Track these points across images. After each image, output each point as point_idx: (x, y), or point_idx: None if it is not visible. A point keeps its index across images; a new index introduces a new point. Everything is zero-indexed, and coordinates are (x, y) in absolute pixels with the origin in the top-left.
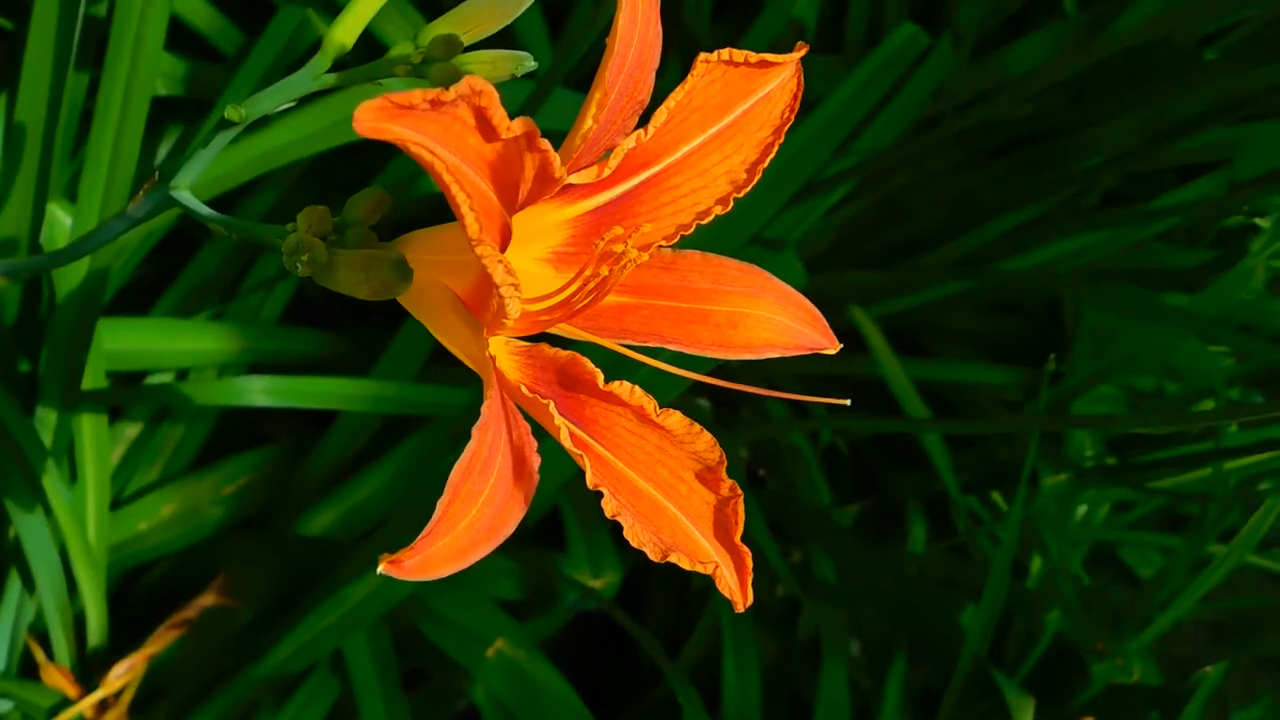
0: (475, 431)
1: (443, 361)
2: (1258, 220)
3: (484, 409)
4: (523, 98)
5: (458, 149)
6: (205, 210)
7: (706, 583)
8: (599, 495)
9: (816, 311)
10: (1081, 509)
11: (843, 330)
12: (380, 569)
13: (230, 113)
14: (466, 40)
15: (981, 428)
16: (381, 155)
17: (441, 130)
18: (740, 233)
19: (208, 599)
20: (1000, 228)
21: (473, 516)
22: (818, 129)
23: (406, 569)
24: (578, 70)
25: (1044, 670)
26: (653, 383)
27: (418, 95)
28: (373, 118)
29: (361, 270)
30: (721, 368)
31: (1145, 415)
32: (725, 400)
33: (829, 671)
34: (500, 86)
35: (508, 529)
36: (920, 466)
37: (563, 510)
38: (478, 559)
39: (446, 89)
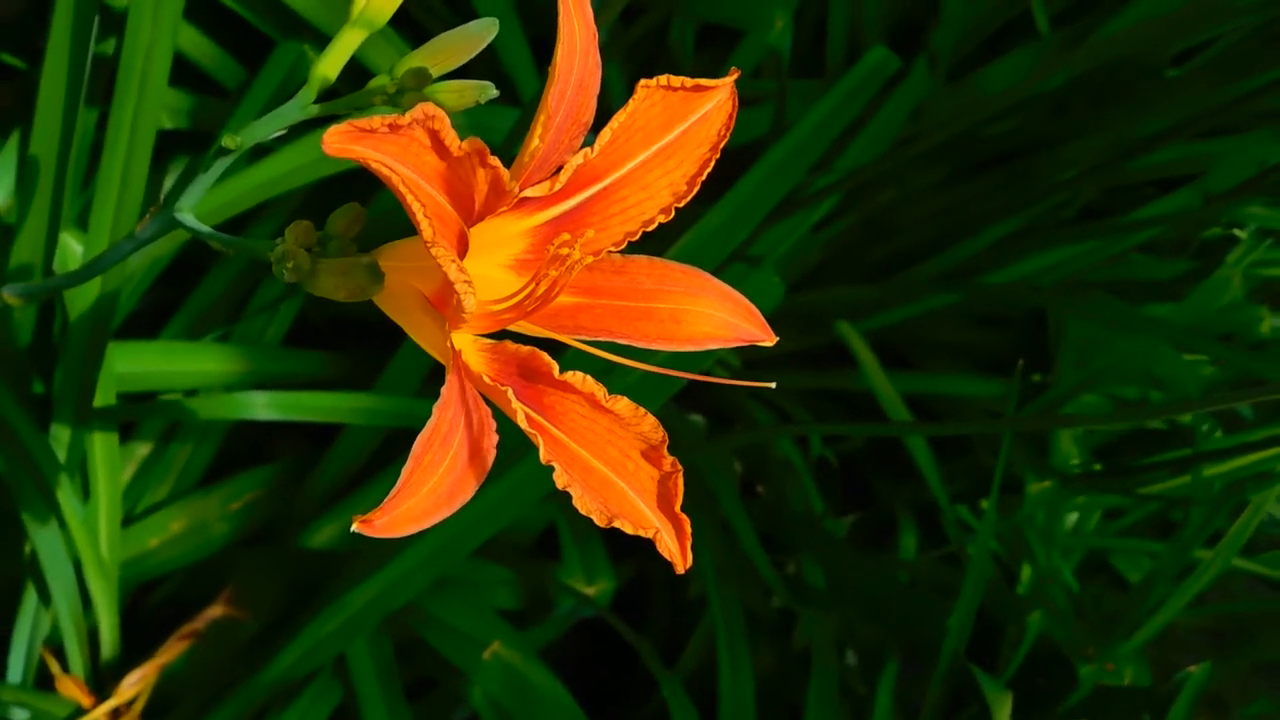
0: (436, 409)
1: (441, 380)
2: (1236, 231)
3: (444, 390)
4: (509, 125)
5: (414, 165)
6: (206, 229)
7: (702, 592)
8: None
9: (754, 308)
10: (1073, 517)
11: (831, 345)
12: (354, 528)
13: (227, 140)
14: (436, 72)
15: (961, 429)
16: (374, 183)
17: (399, 150)
18: (720, 249)
19: (216, 611)
20: (984, 241)
21: (433, 484)
22: (791, 149)
23: (377, 527)
24: None
25: (1035, 675)
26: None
27: (378, 120)
28: (339, 140)
29: (340, 275)
30: (709, 372)
31: (1123, 413)
32: (719, 414)
33: (819, 674)
34: (488, 112)
35: (463, 498)
36: (911, 478)
37: (557, 521)
38: (437, 521)
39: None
